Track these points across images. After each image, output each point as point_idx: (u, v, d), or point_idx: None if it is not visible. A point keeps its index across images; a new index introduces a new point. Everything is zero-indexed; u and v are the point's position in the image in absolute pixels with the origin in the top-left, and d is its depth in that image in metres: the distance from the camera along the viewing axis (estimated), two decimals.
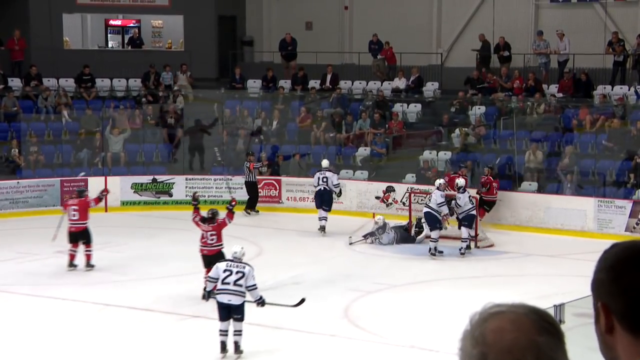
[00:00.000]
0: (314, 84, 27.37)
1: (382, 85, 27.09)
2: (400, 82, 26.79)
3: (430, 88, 26.86)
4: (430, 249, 18.47)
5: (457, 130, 24.12)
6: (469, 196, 18.92)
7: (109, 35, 32.63)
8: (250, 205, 22.94)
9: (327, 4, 30.23)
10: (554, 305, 9.02)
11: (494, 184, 20.78)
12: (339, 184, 21.15)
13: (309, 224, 21.18)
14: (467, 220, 18.80)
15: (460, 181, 19.15)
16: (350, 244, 19.55)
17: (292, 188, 23.52)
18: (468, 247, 18.85)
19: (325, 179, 20.90)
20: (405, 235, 19.88)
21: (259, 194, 23.28)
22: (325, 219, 20.66)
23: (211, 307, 14.39)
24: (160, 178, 23.77)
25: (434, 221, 18.44)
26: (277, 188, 23.66)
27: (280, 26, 30.18)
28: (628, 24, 26.07)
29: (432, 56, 28.54)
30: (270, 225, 21.69)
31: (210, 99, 27.31)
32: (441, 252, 18.51)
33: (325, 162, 21.53)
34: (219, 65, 30.65)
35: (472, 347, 1.68)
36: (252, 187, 23.02)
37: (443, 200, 18.55)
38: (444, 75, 27.33)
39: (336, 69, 27.72)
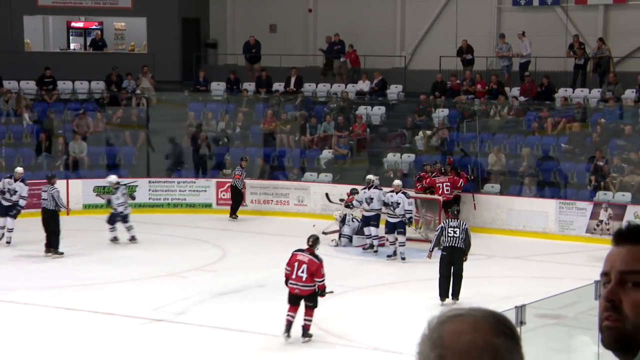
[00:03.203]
0: (278, 86, 27.33)
1: (346, 87, 27.13)
2: (364, 85, 26.84)
3: (394, 91, 26.95)
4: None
5: (420, 133, 24.23)
6: (380, 194, 19.08)
7: (71, 37, 32.34)
8: (233, 210, 22.74)
9: (291, 6, 30.20)
10: (516, 307, 9.04)
11: (442, 183, 20.77)
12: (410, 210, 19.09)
13: (273, 226, 21.16)
14: (375, 220, 19.04)
15: (370, 177, 19.46)
16: (324, 233, 19.56)
17: (256, 191, 23.51)
18: (371, 246, 19.02)
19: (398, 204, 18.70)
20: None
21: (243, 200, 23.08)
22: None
23: (173, 310, 14.34)
24: (123, 181, 23.56)
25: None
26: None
27: (244, 28, 30.07)
28: (589, 27, 26.34)
29: (395, 59, 28.64)
30: (234, 228, 21.65)
31: (174, 101, 27.16)
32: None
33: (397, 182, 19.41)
34: (182, 67, 30.47)
35: (429, 350, 1.67)
36: (236, 191, 22.83)
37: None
38: (408, 78, 27.43)
39: (300, 72, 27.71)
